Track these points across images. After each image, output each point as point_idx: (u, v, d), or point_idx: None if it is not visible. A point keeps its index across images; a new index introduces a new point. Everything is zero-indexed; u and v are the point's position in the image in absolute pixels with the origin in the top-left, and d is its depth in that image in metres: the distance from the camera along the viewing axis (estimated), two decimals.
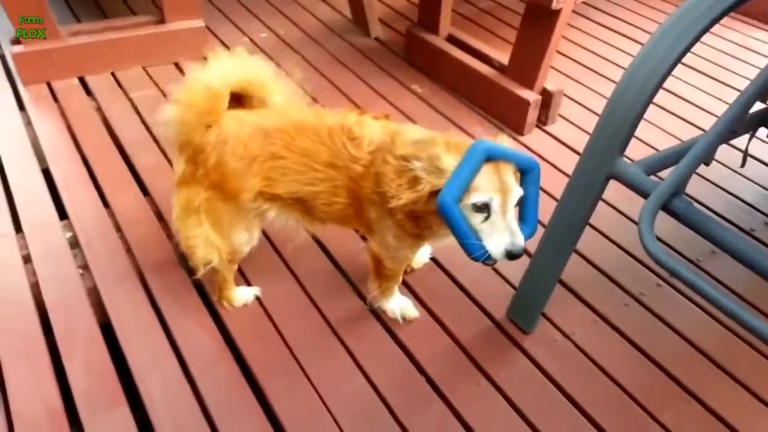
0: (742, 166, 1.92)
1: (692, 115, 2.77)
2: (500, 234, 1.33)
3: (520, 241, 1.33)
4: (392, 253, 1.60)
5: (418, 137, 1.45)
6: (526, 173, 1.41)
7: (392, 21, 3.49)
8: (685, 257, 2.04)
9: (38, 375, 1.62)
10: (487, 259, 1.35)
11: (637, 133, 2.18)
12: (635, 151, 2.44)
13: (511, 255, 1.32)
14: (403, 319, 1.79)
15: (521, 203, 1.40)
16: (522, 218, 1.41)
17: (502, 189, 1.32)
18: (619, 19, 3.62)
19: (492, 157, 1.34)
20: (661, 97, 2.79)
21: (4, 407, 1.54)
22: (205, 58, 1.51)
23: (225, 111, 1.54)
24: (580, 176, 1.53)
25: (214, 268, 1.68)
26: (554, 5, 2.25)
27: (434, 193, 1.34)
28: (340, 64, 3.08)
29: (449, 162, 1.33)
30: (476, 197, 1.31)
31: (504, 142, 1.41)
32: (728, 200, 2.30)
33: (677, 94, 2.90)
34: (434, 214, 1.38)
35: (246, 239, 1.68)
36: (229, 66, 1.52)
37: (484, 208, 1.32)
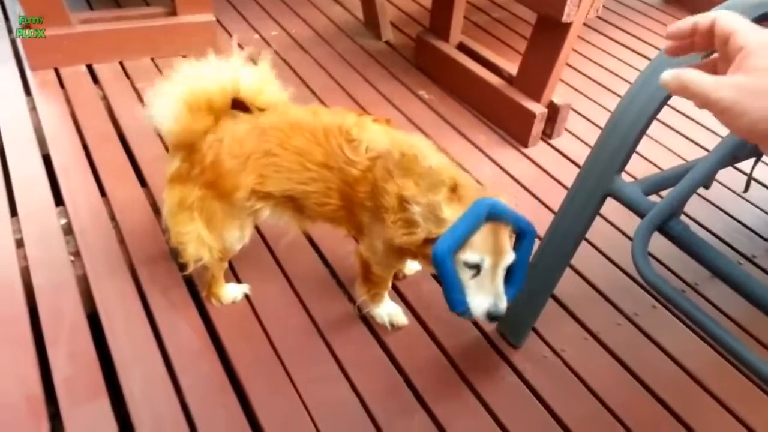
0: (746, 190, 1.90)
1: (698, 135, 2.75)
2: (485, 295, 1.32)
3: (502, 306, 1.32)
4: (380, 258, 1.58)
5: (427, 169, 1.40)
6: (522, 237, 1.38)
7: (404, 25, 3.47)
8: (682, 280, 2.02)
9: (20, 360, 1.60)
10: (466, 314, 1.34)
11: (642, 150, 2.15)
12: (639, 168, 2.42)
13: (492, 317, 1.33)
14: (392, 325, 1.76)
15: (511, 265, 1.38)
16: (509, 279, 1.38)
17: (495, 251, 1.30)
18: (631, 34, 3.60)
19: (493, 216, 1.31)
20: (667, 115, 2.79)
21: None
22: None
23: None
24: (578, 192, 1.51)
25: (204, 264, 1.67)
26: (565, 18, 2.23)
27: (429, 239, 1.33)
28: (348, 66, 3.07)
29: (450, 213, 1.30)
30: (470, 255, 1.30)
31: (504, 200, 1.38)
32: (730, 224, 2.27)
33: (684, 113, 2.87)
34: (425, 255, 1.37)
35: (238, 237, 1.66)
36: (227, 76, 1.48)
37: (474, 266, 1.31)
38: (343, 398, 1.60)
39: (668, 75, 0.66)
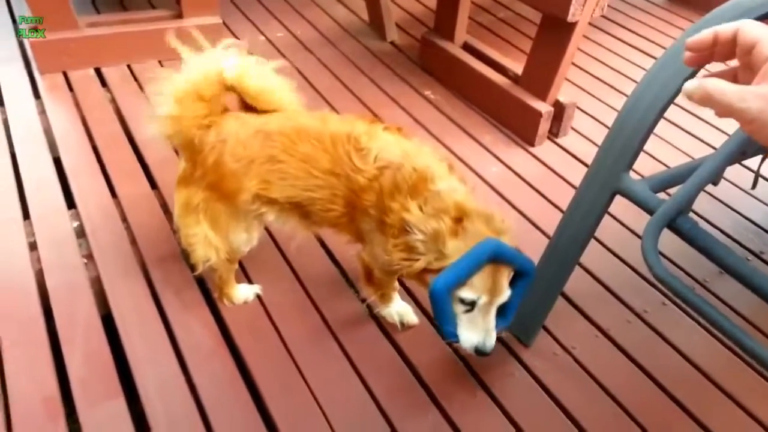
0: (753, 187, 1.90)
1: (706, 134, 2.75)
2: (475, 331, 1.35)
3: (491, 343, 1.36)
4: (381, 265, 1.57)
5: (434, 193, 1.38)
6: (522, 276, 1.39)
7: (409, 26, 3.49)
8: (691, 276, 2.02)
9: (37, 362, 1.62)
10: (455, 342, 1.38)
11: (650, 149, 2.15)
12: (646, 166, 2.42)
13: (479, 352, 1.36)
14: (402, 324, 1.78)
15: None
16: (501, 312, 1.40)
17: (492, 291, 1.32)
18: (637, 33, 3.61)
19: (497, 258, 1.31)
20: (675, 114, 2.80)
21: (2, 393, 1.55)
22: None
23: (222, 111, 1.56)
24: (587, 190, 1.52)
25: (212, 267, 1.68)
26: (570, 17, 2.24)
27: (427, 269, 1.35)
28: (354, 67, 3.09)
29: (453, 249, 1.31)
30: (466, 293, 1.31)
31: (506, 239, 1.35)
32: (738, 221, 2.28)
33: (691, 111, 2.88)
34: (422, 280, 1.40)
35: (245, 240, 1.67)
36: (217, 65, 1.52)
37: (470, 303, 1.33)
38: (355, 395, 1.61)
39: (692, 85, 0.66)
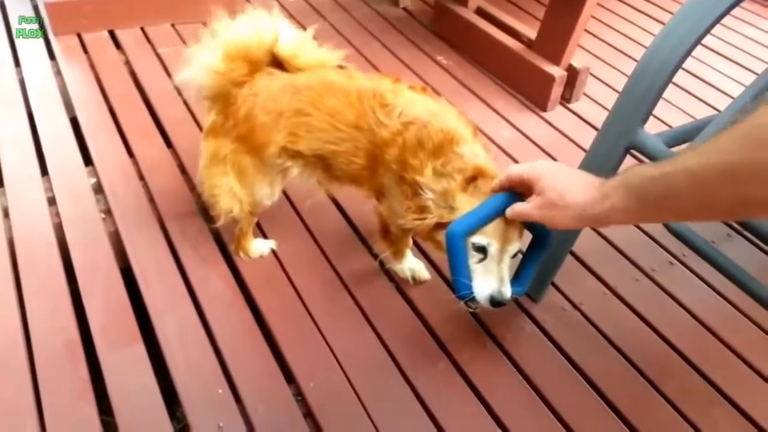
0: None
1: (718, 101, 2.74)
2: (490, 279, 1.34)
3: (506, 291, 1.34)
4: (398, 220, 1.59)
5: (457, 155, 1.40)
6: (540, 238, 1.41)
7: None
8: None
9: (58, 309, 1.66)
10: (471, 300, 1.37)
11: (661, 114, 2.16)
12: (656, 131, 2.43)
13: (494, 302, 1.34)
14: (414, 280, 1.81)
15: (522, 262, 1.43)
16: (517, 276, 1.42)
17: (503, 238, 1.32)
18: (650, 1, 3.59)
19: None
20: (687, 80, 2.81)
21: (25, 338, 1.60)
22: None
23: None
24: (600, 146, 1.54)
25: (233, 219, 1.72)
26: None
27: (440, 224, 1.37)
28: (367, 33, 3.09)
29: (462, 203, 1.34)
30: (477, 238, 1.32)
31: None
32: None
33: (704, 79, 2.87)
34: (434, 240, 1.42)
35: (268, 194, 1.71)
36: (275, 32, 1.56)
37: (481, 250, 1.33)
38: (369, 345, 1.66)
39: (509, 213, 1.26)
